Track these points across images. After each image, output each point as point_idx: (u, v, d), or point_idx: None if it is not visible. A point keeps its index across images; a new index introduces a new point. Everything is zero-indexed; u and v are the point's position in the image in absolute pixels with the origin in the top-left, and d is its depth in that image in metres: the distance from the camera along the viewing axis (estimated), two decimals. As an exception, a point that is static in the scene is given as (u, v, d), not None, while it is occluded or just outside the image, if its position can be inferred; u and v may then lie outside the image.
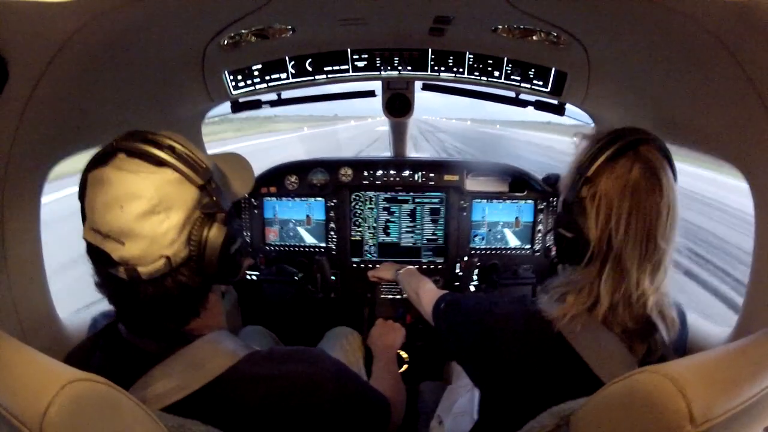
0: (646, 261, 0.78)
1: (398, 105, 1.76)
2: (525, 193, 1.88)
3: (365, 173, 1.90)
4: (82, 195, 0.70)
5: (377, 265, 1.83)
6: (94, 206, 0.65)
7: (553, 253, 0.94)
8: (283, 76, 1.56)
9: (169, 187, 0.67)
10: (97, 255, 0.67)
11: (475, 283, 1.85)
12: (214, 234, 0.70)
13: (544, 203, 1.88)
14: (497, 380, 0.87)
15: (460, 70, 1.57)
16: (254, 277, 1.91)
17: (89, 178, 0.68)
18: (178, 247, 0.67)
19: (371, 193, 1.91)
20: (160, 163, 0.67)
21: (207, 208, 0.70)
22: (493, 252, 1.92)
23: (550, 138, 18.19)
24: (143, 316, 0.72)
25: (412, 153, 2.12)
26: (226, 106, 1.64)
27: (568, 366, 0.79)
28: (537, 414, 0.72)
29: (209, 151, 1.51)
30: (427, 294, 1.28)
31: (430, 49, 1.54)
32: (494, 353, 0.85)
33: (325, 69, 1.57)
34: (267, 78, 1.56)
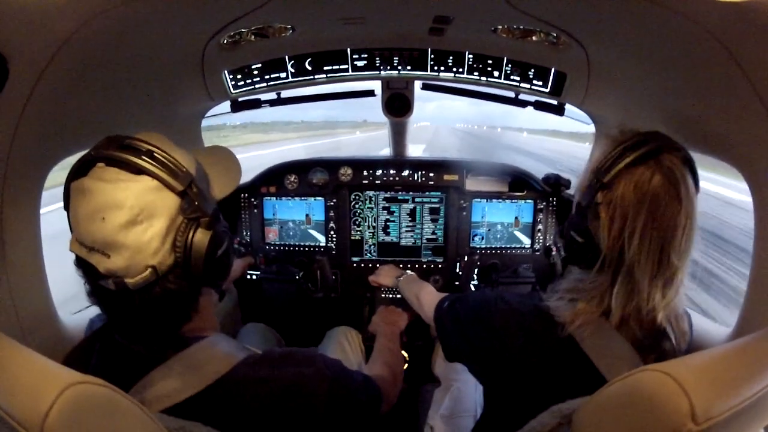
0: (658, 277, 0.76)
1: (398, 105, 1.76)
2: (524, 192, 1.88)
3: (365, 173, 1.89)
4: (66, 206, 0.69)
5: (378, 266, 1.83)
6: (77, 218, 0.65)
7: (558, 252, 0.92)
8: (283, 75, 1.56)
9: (149, 195, 0.66)
10: (84, 267, 0.67)
11: (475, 282, 1.85)
12: (199, 239, 0.69)
13: (544, 203, 1.88)
14: (503, 376, 0.86)
15: (460, 70, 1.57)
16: (254, 277, 1.90)
17: (72, 188, 0.67)
18: (163, 255, 0.67)
19: (371, 193, 1.91)
20: (139, 170, 0.66)
21: (190, 213, 0.69)
22: (493, 251, 1.93)
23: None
24: (135, 324, 0.72)
25: (411, 153, 2.12)
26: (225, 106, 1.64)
27: (576, 366, 0.78)
28: (541, 412, 0.72)
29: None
30: (428, 297, 1.28)
31: (429, 49, 1.54)
32: (501, 347, 0.84)
33: (325, 68, 1.57)
34: (266, 77, 1.56)
